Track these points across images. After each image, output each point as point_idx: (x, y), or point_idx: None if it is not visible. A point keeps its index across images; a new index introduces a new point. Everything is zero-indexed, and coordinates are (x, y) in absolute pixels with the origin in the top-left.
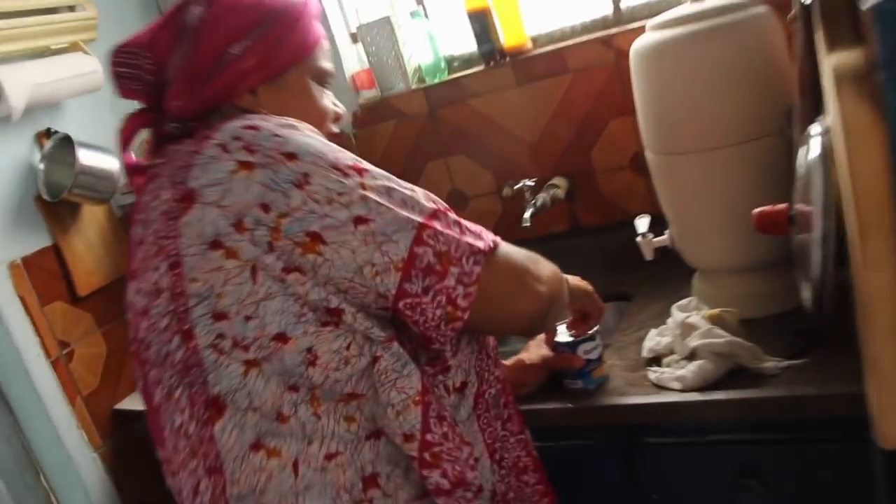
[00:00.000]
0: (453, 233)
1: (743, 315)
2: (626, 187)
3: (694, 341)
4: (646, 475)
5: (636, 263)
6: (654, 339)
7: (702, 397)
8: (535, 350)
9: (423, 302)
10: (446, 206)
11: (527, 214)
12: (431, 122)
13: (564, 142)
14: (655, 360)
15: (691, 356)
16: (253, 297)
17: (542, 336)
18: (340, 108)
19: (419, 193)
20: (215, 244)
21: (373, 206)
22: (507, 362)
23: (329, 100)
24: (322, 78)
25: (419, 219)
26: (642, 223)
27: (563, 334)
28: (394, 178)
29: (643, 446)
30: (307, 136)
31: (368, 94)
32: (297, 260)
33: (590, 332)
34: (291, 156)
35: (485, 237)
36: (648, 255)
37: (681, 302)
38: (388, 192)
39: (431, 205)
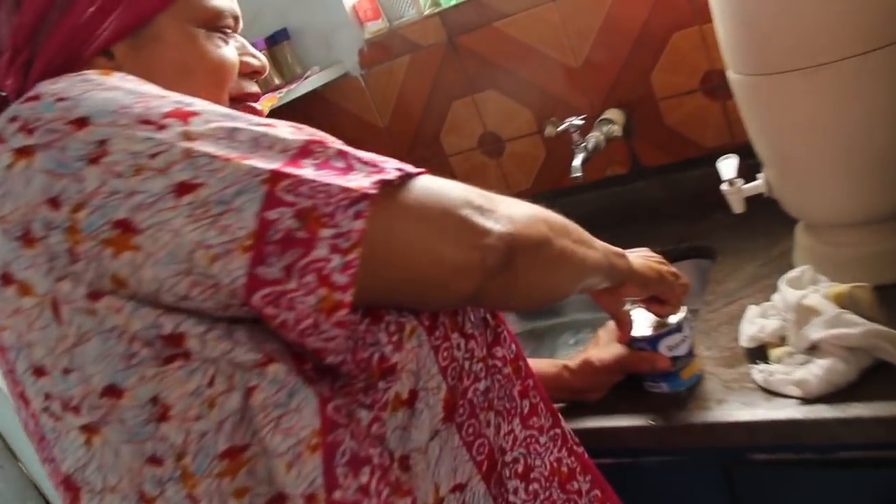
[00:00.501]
0: (326, 175)
1: (873, 281)
2: (697, 115)
3: (817, 332)
4: (749, 501)
5: (716, 208)
6: (756, 323)
7: (835, 413)
8: (605, 347)
9: (287, 290)
10: (326, 136)
11: (576, 162)
12: (452, 52)
13: (616, 65)
14: (759, 351)
15: (811, 349)
16: (64, 344)
17: (612, 326)
18: (257, 59)
19: (281, 127)
20: (6, 278)
21: (202, 162)
22: (571, 363)
23: (233, 50)
24: (213, 22)
25: (271, 165)
26: (728, 167)
27: (640, 325)
28: (244, 115)
29: (747, 464)
30: (113, 86)
31: (374, 27)
32: (110, 270)
33: (673, 321)
34: (82, 121)
35: (382, 169)
36: (738, 206)
37: (791, 274)
38: (230, 135)
39: (299, 137)
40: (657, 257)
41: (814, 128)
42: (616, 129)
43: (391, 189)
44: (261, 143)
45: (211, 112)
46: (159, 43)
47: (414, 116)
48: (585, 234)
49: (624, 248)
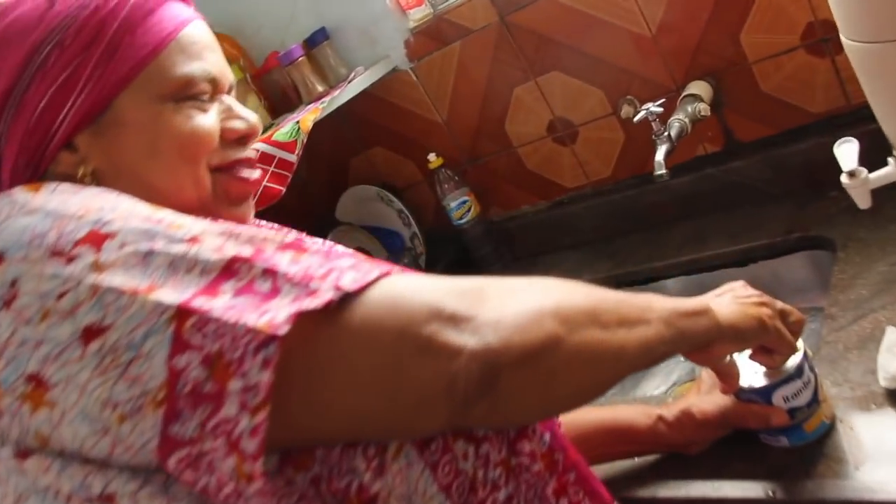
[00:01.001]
0: (240, 306)
1: None
2: (801, 77)
3: None
4: None
5: (831, 186)
6: None
7: None
8: (709, 396)
9: (205, 451)
10: (264, 243)
11: (659, 155)
12: (506, 34)
13: (696, 27)
14: None
15: None
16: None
17: (705, 374)
18: (243, 122)
19: (209, 240)
20: None
21: (109, 299)
22: (668, 413)
23: (212, 117)
24: (182, 92)
25: (180, 297)
26: (847, 154)
27: (749, 372)
28: (168, 231)
29: None
30: (35, 209)
31: (418, 14)
32: (31, 427)
33: (790, 365)
34: None
35: (312, 291)
36: (864, 201)
37: None
38: (144, 260)
39: (222, 255)
40: (755, 294)
41: None
42: (703, 108)
43: (330, 311)
44: (177, 268)
45: (128, 232)
46: (122, 126)
47: (473, 108)
48: (632, 306)
49: (718, 247)
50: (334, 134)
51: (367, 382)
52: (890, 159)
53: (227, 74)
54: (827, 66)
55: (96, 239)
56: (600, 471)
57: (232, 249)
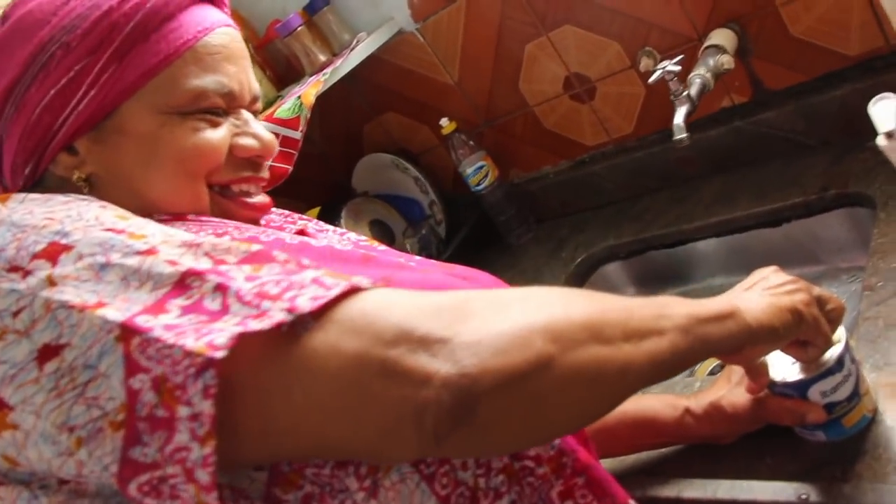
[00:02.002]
0: (184, 326)
1: None
2: (834, 16)
3: None
4: None
5: (870, 135)
6: None
7: None
8: (740, 387)
9: (167, 476)
10: (224, 254)
11: (678, 119)
12: None
13: None
14: None
15: None
16: None
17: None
18: (256, 141)
19: (165, 252)
20: None
21: (62, 315)
22: (696, 405)
23: (221, 132)
24: (190, 105)
25: (126, 314)
26: (884, 113)
27: (784, 363)
28: (127, 241)
29: None
30: (1, 221)
31: None
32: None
33: (829, 359)
34: None
35: (262, 313)
36: None
37: None
38: (98, 274)
39: (176, 268)
40: (789, 281)
41: None
42: (726, 61)
43: (284, 333)
44: (130, 282)
45: (86, 243)
46: (123, 135)
47: (485, 67)
48: (642, 316)
49: (749, 207)
50: (345, 102)
51: (327, 409)
52: None
53: (250, 87)
54: (862, 3)
55: (54, 252)
56: (624, 463)
57: (187, 262)
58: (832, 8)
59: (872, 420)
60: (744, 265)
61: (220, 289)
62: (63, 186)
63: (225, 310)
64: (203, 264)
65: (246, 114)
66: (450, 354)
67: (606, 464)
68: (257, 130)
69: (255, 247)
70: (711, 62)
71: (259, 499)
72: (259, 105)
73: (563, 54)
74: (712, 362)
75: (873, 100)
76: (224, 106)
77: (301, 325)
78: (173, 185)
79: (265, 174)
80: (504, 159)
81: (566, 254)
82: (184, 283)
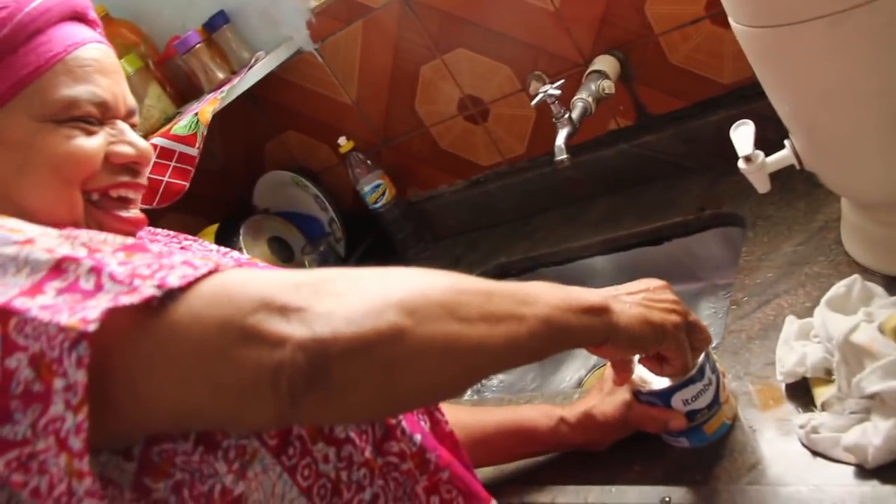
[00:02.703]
0: (59, 305)
1: None
2: (708, 48)
3: (874, 384)
4: None
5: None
6: (796, 350)
7: None
8: (610, 396)
9: (36, 451)
10: (100, 244)
11: (559, 140)
12: (408, 11)
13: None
14: (802, 385)
15: (868, 403)
16: None
17: (609, 372)
18: (130, 148)
19: (42, 241)
20: None
21: None
22: (570, 414)
23: (95, 140)
24: (64, 113)
25: (1, 299)
26: (743, 138)
27: (646, 374)
28: (16, 225)
29: None
30: None
31: None
32: None
33: (690, 372)
34: None
35: (132, 289)
36: (762, 185)
37: (834, 291)
38: None
39: (52, 255)
40: (669, 300)
41: (848, 89)
42: (607, 86)
43: (153, 307)
44: (6, 269)
45: None
46: None
47: (382, 87)
48: (504, 299)
49: (633, 226)
50: (247, 119)
51: (189, 374)
52: (786, 141)
53: (125, 100)
54: (733, 36)
55: None
56: (502, 471)
57: (64, 250)
58: (706, 39)
59: (732, 427)
60: (630, 281)
61: (94, 270)
62: None
63: (98, 288)
64: (79, 252)
65: (121, 124)
66: (304, 321)
67: (485, 472)
68: (133, 138)
69: (131, 240)
70: (594, 87)
71: (129, 488)
72: (136, 119)
73: (456, 76)
74: (598, 375)
75: (734, 126)
76: (98, 115)
77: (170, 299)
78: (48, 192)
79: (143, 181)
80: (401, 178)
81: (461, 270)
82: (60, 267)
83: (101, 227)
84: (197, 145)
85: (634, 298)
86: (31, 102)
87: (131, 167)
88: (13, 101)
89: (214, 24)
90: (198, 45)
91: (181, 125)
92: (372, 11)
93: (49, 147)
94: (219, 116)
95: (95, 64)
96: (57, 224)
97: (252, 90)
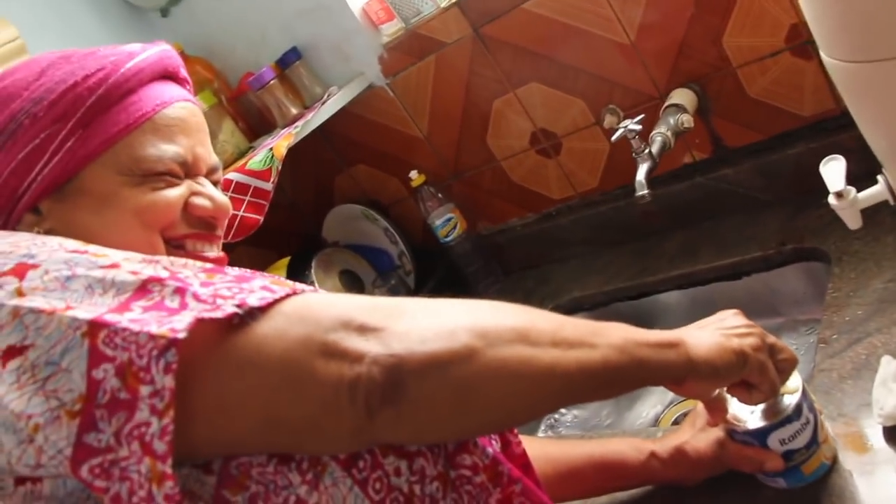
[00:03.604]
0: (147, 319)
1: None
2: (788, 80)
3: None
4: None
5: (823, 193)
6: (895, 390)
7: None
8: (703, 433)
9: (119, 458)
10: (179, 269)
11: (640, 176)
12: (481, 46)
13: (678, 32)
14: None
15: None
16: None
17: (701, 407)
18: (209, 201)
19: (126, 265)
20: None
21: (29, 320)
22: (661, 449)
23: (176, 192)
24: (148, 170)
25: (92, 314)
26: (833, 174)
27: (746, 410)
28: (90, 259)
29: None
30: None
31: (391, 29)
32: None
33: (788, 404)
34: None
35: (216, 307)
36: (854, 222)
37: None
38: (64, 284)
39: (138, 277)
40: (744, 325)
41: None
42: (686, 120)
43: (237, 324)
44: (94, 290)
45: (51, 262)
46: (84, 195)
47: (453, 122)
48: (576, 330)
49: (710, 260)
50: (317, 153)
51: (273, 386)
52: (879, 177)
53: (207, 158)
54: (814, 68)
55: (22, 270)
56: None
57: (149, 272)
58: (786, 72)
59: (832, 468)
60: (707, 316)
61: (179, 291)
62: None
63: (183, 307)
64: (162, 273)
65: (204, 180)
66: (382, 339)
67: None
68: (212, 192)
69: (210, 264)
70: (672, 121)
71: (209, 500)
72: (219, 175)
73: (529, 110)
74: (676, 412)
75: (824, 161)
76: (181, 173)
77: (251, 317)
78: (129, 236)
79: (219, 233)
80: (472, 211)
81: (533, 304)
82: (145, 287)
83: None
84: (271, 180)
85: (707, 331)
86: (118, 158)
87: (208, 220)
88: (103, 157)
89: (287, 60)
90: (272, 81)
91: (256, 160)
92: (444, 46)
93: (134, 197)
94: (289, 152)
95: (181, 124)
96: None
97: (323, 125)
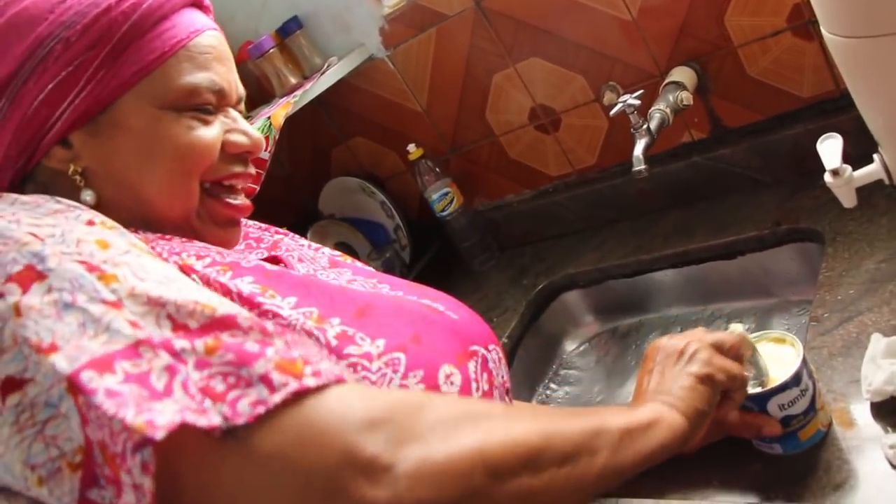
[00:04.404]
0: (125, 396)
1: None
2: (788, 61)
3: None
4: None
5: (821, 174)
6: (883, 368)
7: None
8: None
9: None
10: (199, 312)
11: (638, 151)
12: (483, 19)
13: (680, 9)
14: (891, 406)
15: None
16: None
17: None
18: (246, 138)
19: (136, 302)
20: None
21: (27, 351)
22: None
23: (214, 130)
24: (185, 101)
25: (74, 365)
26: (830, 151)
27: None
28: (96, 284)
29: None
30: None
31: (392, 0)
32: None
33: (789, 372)
34: None
35: (204, 407)
36: (849, 200)
37: None
38: (60, 313)
39: (135, 332)
40: (685, 347)
41: None
42: (685, 97)
43: (229, 431)
44: (86, 330)
45: (57, 275)
46: (119, 129)
47: (453, 95)
48: (583, 433)
49: (705, 239)
50: (314, 124)
51: None
52: (875, 156)
53: (237, 87)
54: (815, 49)
55: (28, 277)
56: None
57: (146, 327)
58: (786, 52)
59: (827, 434)
60: (700, 296)
61: (169, 370)
62: (55, 180)
63: (168, 392)
64: (159, 334)
65: (234, 112)
66: (390, 484)
67: None
68: (246, 128)
69: (221, 311)
70: (671, 98)
71: None
72: (243, 106)
73: (529, 86)
74: None
75: (821, 139)
76: (215, 103)
77: (245, 427)
78: (168, 183)
79: (252, 170)
80: (469, 187)
81: (527, 281)
82: (136, 349)
83: (211, 213)
84: (269, 149)
85: (665, 378)
86: (154, 89)
87: (243, 156)
88: (137, 87)
89: (288, 30)
90: (271, 50)
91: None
92: (446, 19)
93: (171, 137)
94: (286, 122)
95: (213, 51)
96: (172, 214)
97: (321, 96)
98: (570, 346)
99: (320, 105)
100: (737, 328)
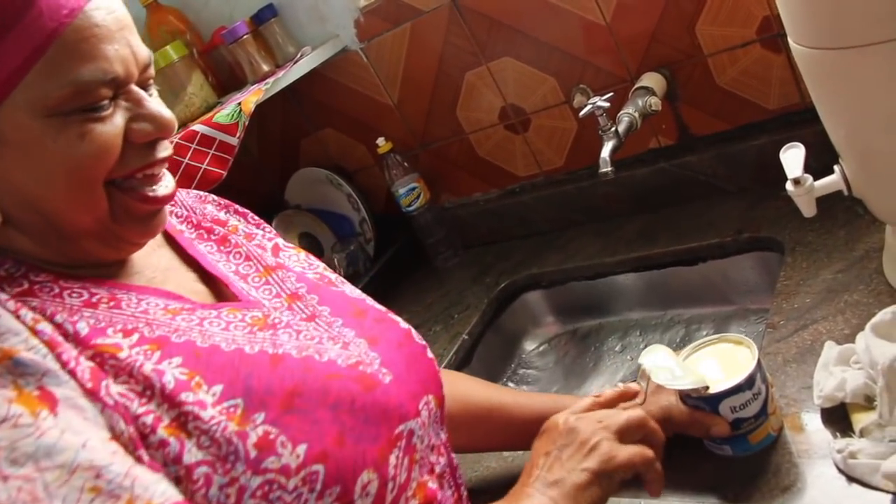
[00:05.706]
0: None
1: None
2: (756, 72)
3: None
4: None
5: (782, 185)
6: (835, 375)
7: None
8: (654, 397)
9: None
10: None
11: (605, 153)
12: (458, 16)
13: (652, 17)
14: (839, 411)
15: None
16: None
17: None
18: (150, 124)
19: (49, 466)
20: None
21: None
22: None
23: (112, 126)
24: (71, 104)
25: None
26: (793, 159)
27: (706, 370)
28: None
29: None
30: None
31: None
32: None
33: (742, 375)
34: None
35: None
36: (808, 209)
37: (880, 317)
38: None
39: None
40: (595, 439)
41: None
42: (654, 102)
43: None
44: None
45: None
46: (5, 146)
47: (425, 91)
48: None
49: (668, 245)
50: (285, 114)
51: None
52: (836, 167)
53: (137, 57)
54: (783, 61)
55: None
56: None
57: None
58: (755, 63)
59: (777, 438)
60: (660, 301)
61: None
62: None
63: None
64: None
65: (137, 91)
66: None
67: (499, 474)
68: (152, 109)
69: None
70: (640, 102)
71: None
72: (151, 70)
73: (501, 85)
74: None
75: (784, 148)
76: (110, 95)
77: None
78: (70, 196)
79: (167, 153)
80: (436, 183)
81: (490, 279)
82: None
83: (128, 212)
84: (237, 135)
85: (568, 467)
86: (29, 96)
87: (153, 143)
88: (11, 98)
89: (262, 17)
90: (245, 37)
91: (223, 114)
92: (421, 14)
93: (63, 150)
94: (257, 110)
95: (98, 31)
96: (82, 226)
97: (293, 85)
98: (529, 345)
99: (291, 94)
100: (647, 361)
